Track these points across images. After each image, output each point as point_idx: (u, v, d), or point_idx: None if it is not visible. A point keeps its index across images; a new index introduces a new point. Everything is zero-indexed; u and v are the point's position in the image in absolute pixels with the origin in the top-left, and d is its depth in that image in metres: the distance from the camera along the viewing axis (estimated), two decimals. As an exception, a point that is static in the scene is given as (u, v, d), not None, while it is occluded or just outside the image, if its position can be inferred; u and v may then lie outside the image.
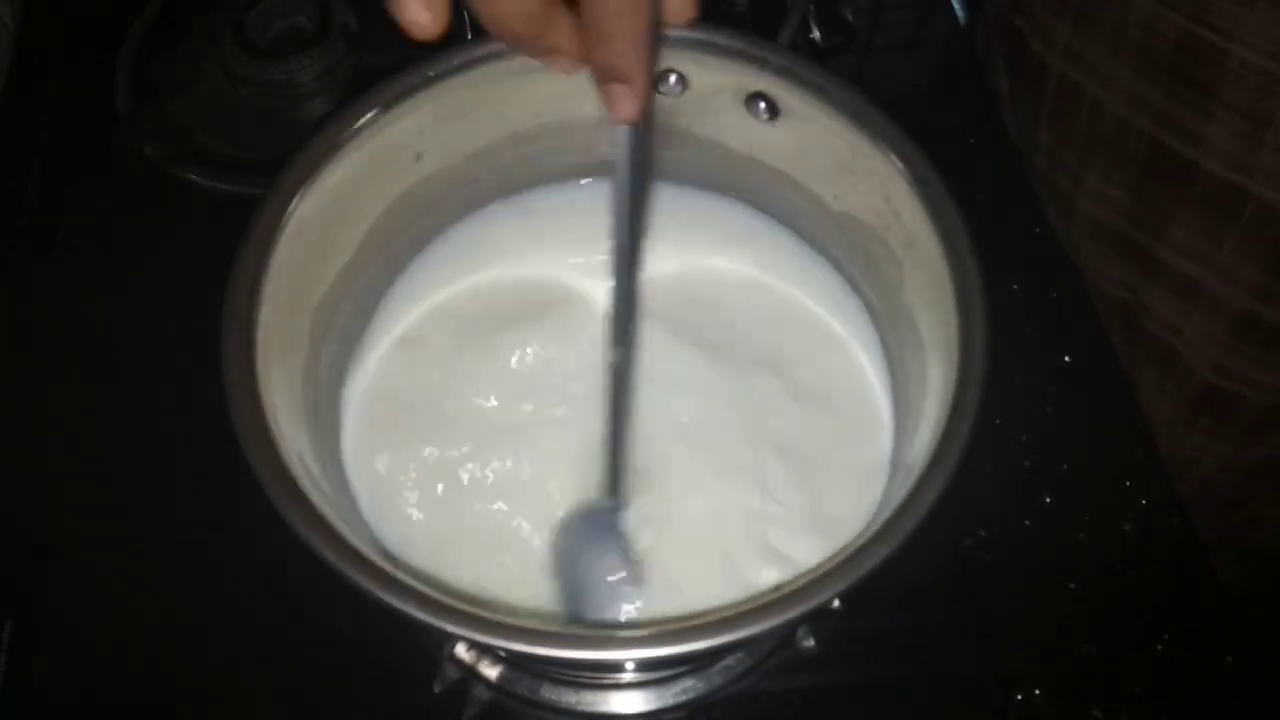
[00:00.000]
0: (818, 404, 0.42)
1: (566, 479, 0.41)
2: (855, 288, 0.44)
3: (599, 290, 0.45)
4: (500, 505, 0.40)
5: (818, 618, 0.46)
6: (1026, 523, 0.50)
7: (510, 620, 0.28)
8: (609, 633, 0.28)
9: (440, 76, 0.38)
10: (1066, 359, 0.54)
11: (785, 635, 0.46)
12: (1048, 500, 0.50)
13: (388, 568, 0.29)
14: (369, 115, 0.38)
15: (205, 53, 0.60)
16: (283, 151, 0.37)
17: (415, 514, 0.39)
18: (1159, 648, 0.47)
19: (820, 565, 0.30)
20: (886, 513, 0.31)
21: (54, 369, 0.52)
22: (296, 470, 0.32)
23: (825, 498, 0.40)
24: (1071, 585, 0.48)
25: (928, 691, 0.46)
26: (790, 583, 0.29)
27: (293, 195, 0.36)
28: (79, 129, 0.60)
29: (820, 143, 0.39)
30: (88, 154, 0.59)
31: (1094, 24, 0.51)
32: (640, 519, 0.40)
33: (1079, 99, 0.54)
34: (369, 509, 0.39)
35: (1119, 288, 0.58)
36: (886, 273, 0.40)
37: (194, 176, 0.57)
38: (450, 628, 0.27)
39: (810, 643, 0.46)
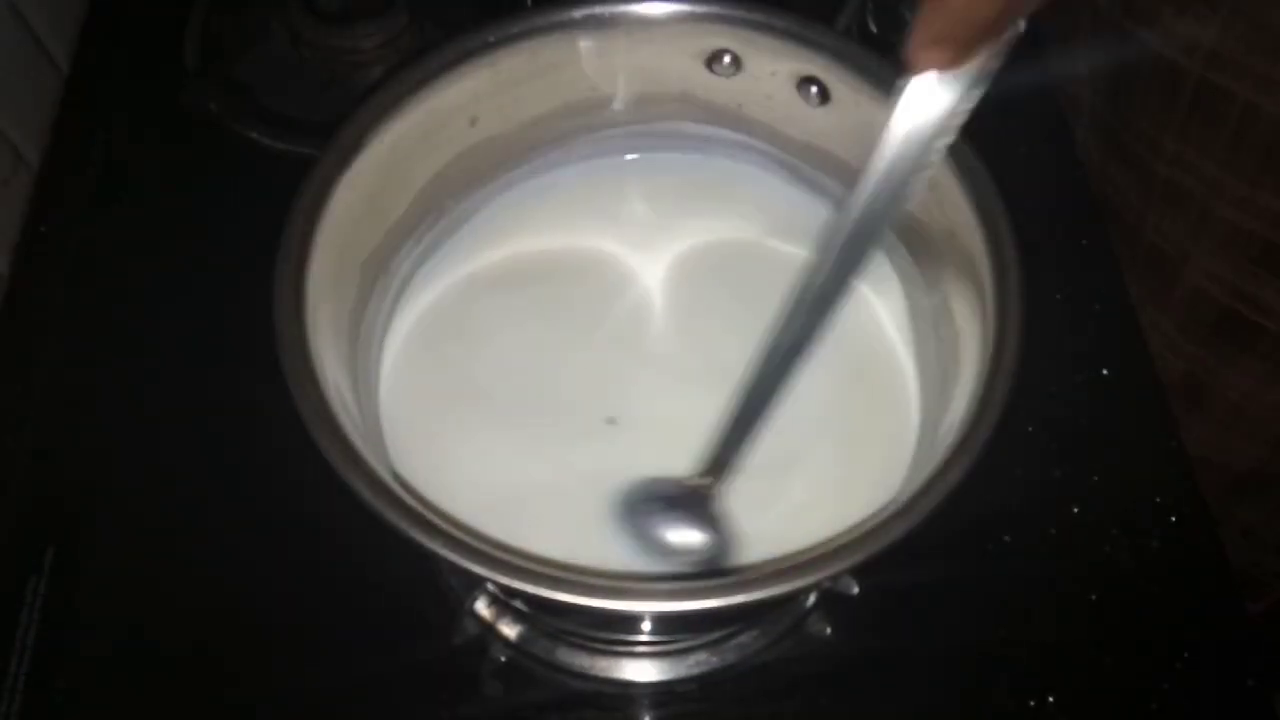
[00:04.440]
0: (848, 384, 0.42)
1: (599, 440, 0.41)
2: (894, 270, 0.44)
3: (641, 264, 0.45)
4: (530, 464, 0.41)
5: (834, 604, 0.47)
6: (1052, 531, 0.49)
7: (529, 564, 0.28)
8: (625, 583, 0.28)
9: (499, 43, 0.39)
10: (1105, 372, 0.54)
11: (799, 618, 0.46)
12: (1075, 511, 0.50)
13: (421, 508, 0.30)
14: (428, 76, 0.39)
15: (273, 15, 0.61)
16: (342, 116, 0.38)
17: (445, 468, 0.40)
18: (1178, 665, 0.46)
19: (837, 536, 0.30)
20: (908, 493, 0.31)
21: (114, 314, 0.54)
22: (338, 411, 0.33)
23: (847, 477, 0.40)
24: (1093, 597, 0.48)
25: (941, 689, 0.46)
26: (803, 551, 0.29)
27: (350, 150, 0.37)
28: (148, 83, 0.62)
29: (869, 129, 0.39)
30: (155, 108, 0.61)
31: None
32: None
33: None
34: (399, 458, 0.40)
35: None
36: (926, 259, 0.40)
37: (255, 135, 0.58)
38: (476, 568, 0.28)
39: (826, 630, 0.46)
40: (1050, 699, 0.45)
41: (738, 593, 0.28)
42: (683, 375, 0.43)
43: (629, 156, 0.47)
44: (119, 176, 0.59)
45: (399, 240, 0.42)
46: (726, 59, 0.41)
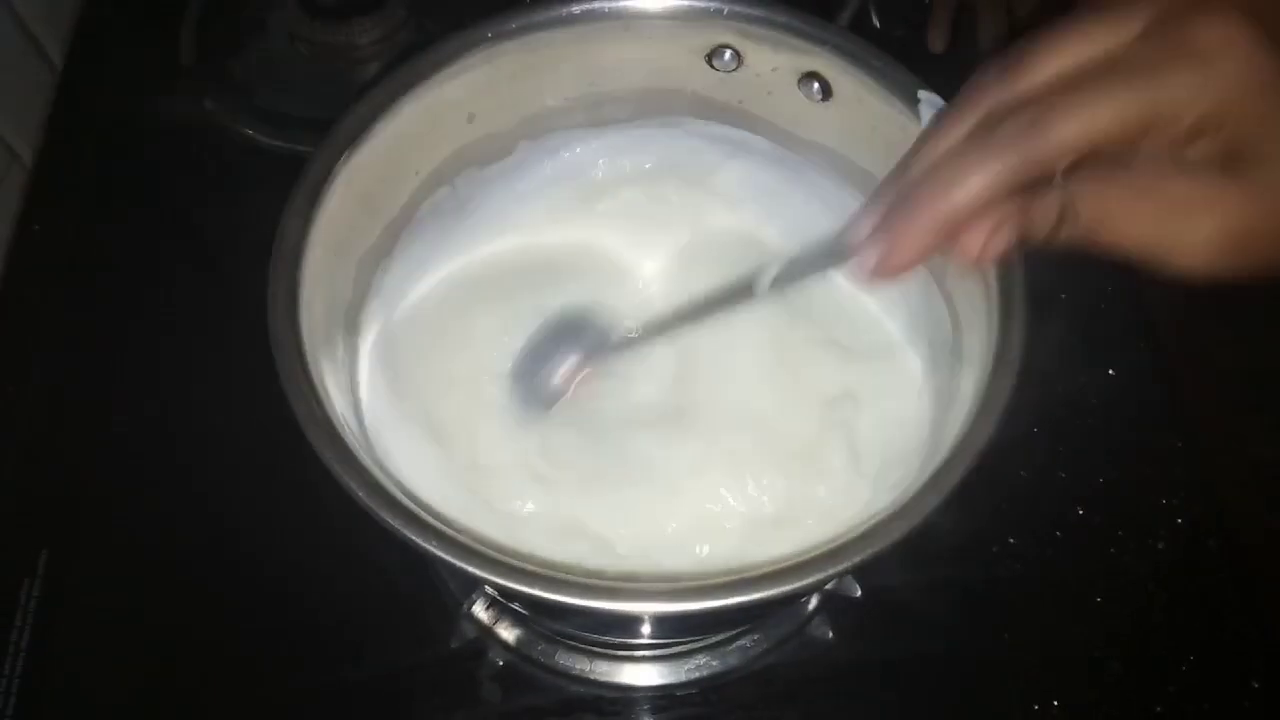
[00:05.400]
0: (851, 384, 0.42)
1: (598, 438, 0.41)
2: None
3: (639, 259, 0.45)
4: (529, 464, 0.40)
5: (836, 607, 0.46)
6: (1057, 534, 0.49)
7: (527, 565, 0.28)
8: (625, 584, 0.28)
9: (498, 38, 0.39)
10: (1111, 372, 0.53)
11: (801, 622, 0.46)
12: (1080, 513, 0.49)
13: (417, 509, 0.30)
14: (425, 72, 0.38)
15: (269, 11, 0.61)
16: (338, 112, 0.38)
17: (433, 467, 0.40)
18: (1183, 668, 0.46)
19: (838, 536, 0.29)
20: (910, 494, 0.31)
21: (108, 314, 0.54)
22: (332, 411, 0.32)
23: (850, 478, 0.40)
24: (1098, 599, 0.47)
25: (942, 694, 0.46)
26: (803, 552, 0.29)
27: (348, 145, 0.37)
28: (143, 81, 0.62)
29: (871, 125, 0.39)
30: (149, 104, 0.61)
31: None
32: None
33: None
34: (385, 455, 0.39)
35: None
36: (930, 259, 0.39)
37: (251, 132, 0.58)
38: (474, 569, 0.28)
39: (828, 634, 0.46)
40: (1055, 703, 0.45)
41: (738, 594, 0.27)
42: (680, 372, 0.42)
43: (628, 152, 0.46)
44: (113, 175, 0.58)
45: (395, 237, 0.41)
46: (727, 54, 0.40)
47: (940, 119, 0.29)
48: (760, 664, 0.45)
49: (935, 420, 0.39)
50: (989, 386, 0.32)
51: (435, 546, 0.28)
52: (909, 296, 0.43)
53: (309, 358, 0.33)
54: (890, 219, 0.28)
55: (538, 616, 0.44)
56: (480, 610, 0.44)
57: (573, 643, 0.44)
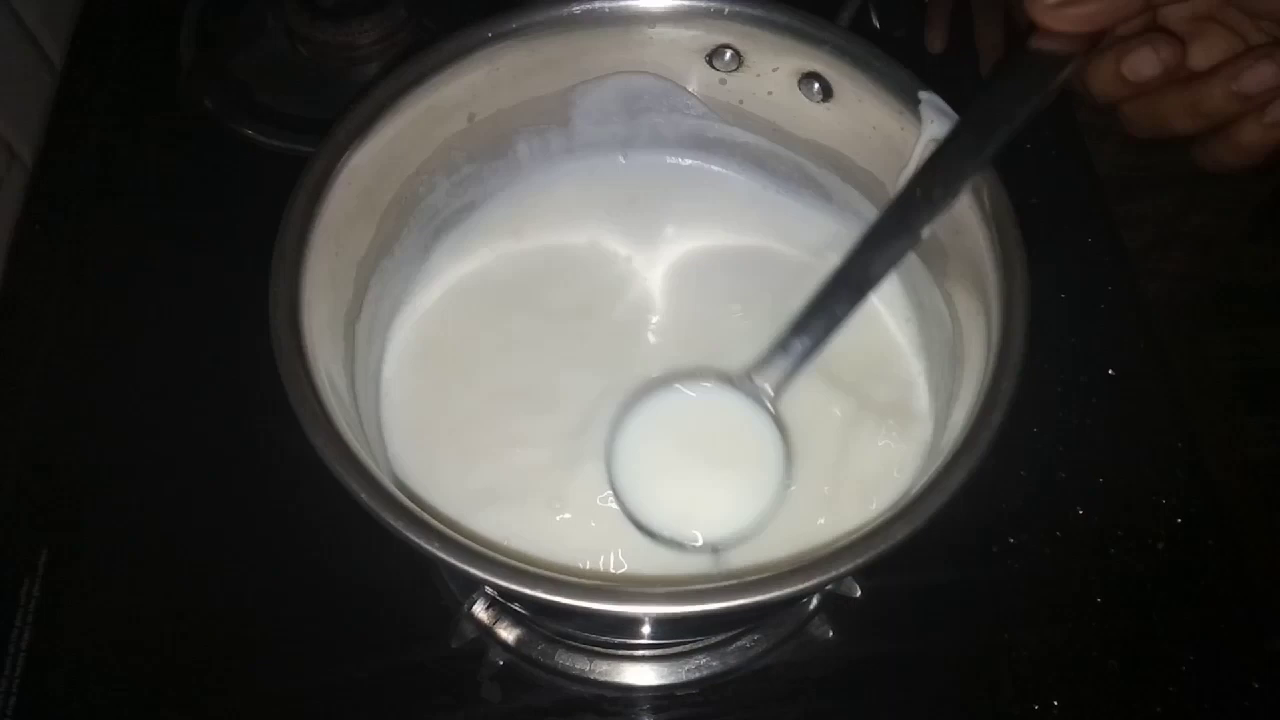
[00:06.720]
0: (852, 383, 0.42)
1: (601, 433, 0.41)
2: (898, 267, 0.44)
3: (641, 260, 0.45)
4: (533, 466, 0.40)
5: (837, 607, 0.46)
6: (1057, 534, 0.49)
7: (530, 568, 0.28)
8: (625, 586, 0.28)
9: (498, 38, 0.39)
10: (1110, 371, 0.53)
11: (801, 622, 0.46)
12: (1080, 512, 0.49)
13: (419, 511, 0.30)
14: (426, 72, 0.38)
15: (269, 11, 0.61)
16: (338, 112, 0.37)
17: (448, 464, 0.40)
18: (1183, 668, 0.46)
19: (840, 538, 0.29)
20: (911, 495, 0.31)
21: (108, 314, 0.54)
22: (334, 412, 0.32)
23: (851, 479, 0.40)
24: (1098, 599, 0.47)
25: (944, 694, 0.46)
26: (806, 553, 0.29)
27: (348, 145, 0.37)
28: (143, 80, 0.61)
29: (871, 126, 0.39)
30: (150, 104, 0.61)
31: None
32: None
33: None
34: (402, 456, 0.39)
35: None
36: (931, 257, 0.40)
37: (250, 132, 0.58)
38: (474, 570, 0.28)
39: (829, 633, 0.46)
40: (1055, 703, 0.45)
41: (739, 595, 0.27)
42: (683, 374, 0.42)
43: (628, 153, 0.46)
44: (114, 174, 0.58)
45: (395, 237, 0.41)
46: (728, 54, 0.40)
47: None
48: (761, 663, 0.45)
49: (935, 422, 0.39)
50: (990, 388, 0.32)
51: (436, 548, 0.28)
52: (909, 296, 0.43)
53: (310, 358, 0.33)
54: None
55: (538, 617, 0.44)
56: (480, 610, 0.44)
57: (573, 643, 0.44)
